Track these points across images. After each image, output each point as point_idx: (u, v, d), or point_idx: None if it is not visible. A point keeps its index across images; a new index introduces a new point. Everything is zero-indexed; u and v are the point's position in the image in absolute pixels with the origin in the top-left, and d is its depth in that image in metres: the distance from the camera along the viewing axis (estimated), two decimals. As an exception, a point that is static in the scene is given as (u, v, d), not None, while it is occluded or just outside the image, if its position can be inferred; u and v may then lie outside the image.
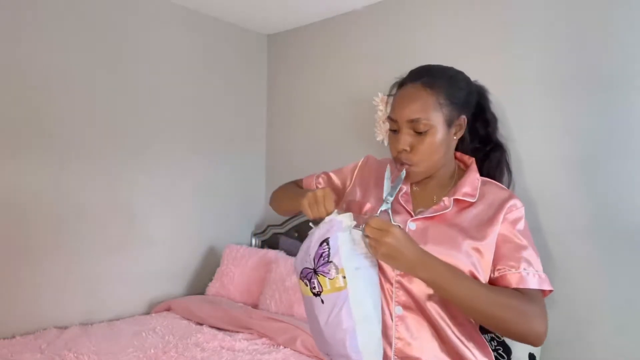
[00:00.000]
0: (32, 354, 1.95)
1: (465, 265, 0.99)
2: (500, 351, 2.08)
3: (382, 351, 0.99)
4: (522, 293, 0.98)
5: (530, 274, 0.99)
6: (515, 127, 2.27)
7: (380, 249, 0.91)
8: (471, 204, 1.06)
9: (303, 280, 1.00)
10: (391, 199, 1.01)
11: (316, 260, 0.97)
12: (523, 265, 1.00)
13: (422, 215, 1.06)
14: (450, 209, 1.05)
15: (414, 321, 1.02)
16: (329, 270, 0.95)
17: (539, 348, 2.10)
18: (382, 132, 2.64)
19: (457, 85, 1.07)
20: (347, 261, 0.95)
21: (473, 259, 1.00)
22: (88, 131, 2.52)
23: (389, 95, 1.15)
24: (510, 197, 1.07)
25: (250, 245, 3.18)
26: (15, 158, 2.28)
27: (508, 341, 2.08)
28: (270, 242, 3.08)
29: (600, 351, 2.01)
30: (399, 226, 0.93)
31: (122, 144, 2.65)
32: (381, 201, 1.04)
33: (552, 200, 2.15)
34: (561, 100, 2.14)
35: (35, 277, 2.32)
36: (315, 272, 0.97)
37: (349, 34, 2.96)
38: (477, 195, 1.06)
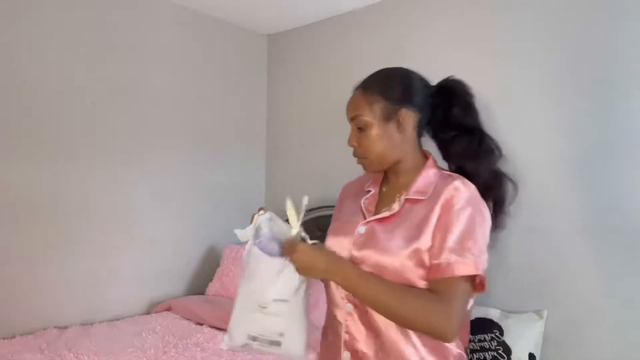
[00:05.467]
0: (32, 354, 1.95)
1: (404, 268, 1.01)
2: (500, 351, 2.08)
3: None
4: (434, 289, 0.99)
5: (444, 264, 0.99)
6: (515, 128, 2.27)
7: (295, 264, 1.04)
8: (423, 201, 1.07)
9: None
10: (297, 223, 1.08)
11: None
12: (444, 255, 0.99)
13: (372, 218, 1.12)
14: (395, 210, 1.09)
15: (361, 318, 1.07)
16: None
17: (539, 348, 2.10)
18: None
19: (391, 82, 1.16)
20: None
21: (411, 260, 1.02)
22: (88, 131, 2.52)
23: None
24: (450, 183, 1.06)
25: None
26: (15, 158, 2.28)
27: (508, 341, 2.08)
28: (271, 242, 3.07)
29: (600, 351, 2.01)
30: (305, 241, 1.05)
31: (122, 144, 2.65)
32: (354, 212, 1.17)
33: (551, 200, 2.15)
34: (560, 101, 2.14)
35: (35, 277, 2.32)
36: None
37: (349, 34, 2.96)
38: (429, 192, 1.07)
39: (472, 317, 2.21)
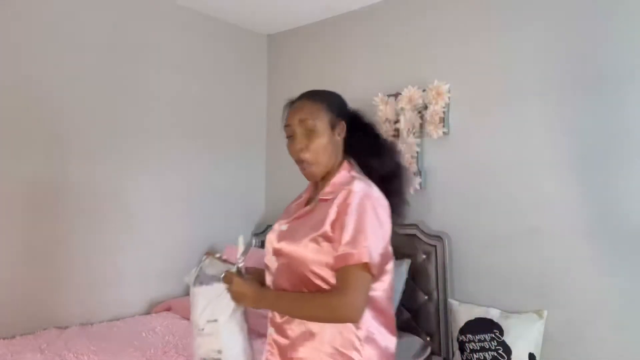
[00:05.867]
0: (32, 354, 1.95)
1: (306, 255, 1.20)
2: (500, 351, 2.08)
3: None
4: (337, 277, 1.16)
5: (341, 255, 1.15)
6: (515, 128, 2.27)
7: (230, 294, 1.25)
8: (330, 200, 1.23)
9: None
10: (242, 258, 1.29)
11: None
12: (341, 248, 1.15)
13: (292, 217, 1.31)
14: (309, 209, 1.28)
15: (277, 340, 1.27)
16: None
17: (540, 348, 2.10)
18: (381, 133, 2.64)
19: (332, 97, 1.34)
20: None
21: (312, 248, 1.20)
22: (88, 131, 2.52)
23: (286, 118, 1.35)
24: (349, 185, 1.21)
25: (250, 245, 3.18)
26: (15, 157, 2.28)
27: (508, 341, 2.08)
28: (270, 242, 3.08)
29: (599, 351, 2.01)
30: (242, 275, 1.26)
31: (122, 144, 2.65)
32: (283, 218, 1.36)
33: (552, 201, 2.15)
34: (560, 101, 2.14)
35: (35, 277, 2.32)
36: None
37: (348, 34, 2.96)
38: (336, 193, 1.22)
39: (472, 317, 2.21)
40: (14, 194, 2.27)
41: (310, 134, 1.25)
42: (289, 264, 1.23)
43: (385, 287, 1.24)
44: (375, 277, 1.18)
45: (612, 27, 2.02)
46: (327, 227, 1.18)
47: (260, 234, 3.19)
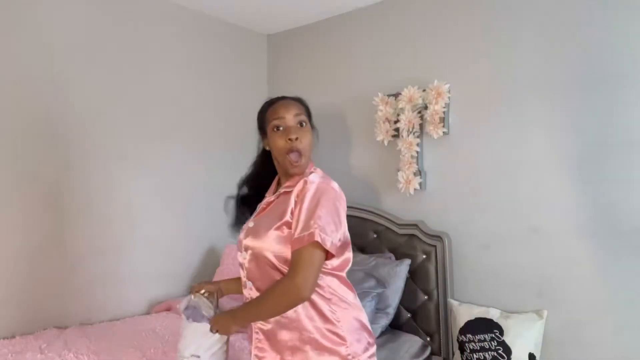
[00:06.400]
0: (32, 354, 1.95)
1: (271, 246, 1.30)
2: (500, 351, 2.08)
3: None
4: (292, 259, 1.26)
5: (296, 238, 1.25)
6: (515, 128, 2.28)
7: (219, 332, 1.41)
8: (290, 192, 1.34)
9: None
10: (211, 308, 1.47)
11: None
12: (296, 232, 1.25)
13: (256, 213, 1.43)
14: (271, 200, 1.40)
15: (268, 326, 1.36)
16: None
17: (539, 348, 2.10)
18: (382, 132, 2.64)
19: (306, 104, 1.46)
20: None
21: (276, 237, 1.30)
22: (87, 131, 2.52)
23: (260, 112, 1.45)
24: (306, 177, 1.33)
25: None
26: (15, 156, 2.28)
27: (508, 341, 2.08)
28: (270, 242, 3.08)
29: (600, 351, 2.01)
30: (217, 314, 1.44)
31: (122, 144, 2.65)
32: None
33: (552, 200, 2.15)
34: (561, 101, 2.14)
35: (35, 277, 2.32)
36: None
37: (349, 34, 2.96)
38: (296, 185, 1.33)
39: (472, 317, 2.21)
40: (14, 194, 2.27)
41: (303, 128, 1.37)
42: (257, 258, 1.33)
43: (342, 267, 1.35)
44: (333, 255, 1.28)
45: (612, 27, 2.02)
46: (288, 216, 1.29)
47: (260, 234, 3.20)
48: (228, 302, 1.67)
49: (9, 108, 2.26)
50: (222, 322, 1.40)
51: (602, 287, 2.02)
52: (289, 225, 1.29)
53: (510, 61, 2.29)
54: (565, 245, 2.11)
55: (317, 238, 1.21)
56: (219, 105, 3.15)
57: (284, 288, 1.25)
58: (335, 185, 1.34)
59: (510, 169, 2.28)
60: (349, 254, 1.37)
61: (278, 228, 1.30)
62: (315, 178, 1.32)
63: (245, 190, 1.58)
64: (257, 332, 1.36)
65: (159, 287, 2.81)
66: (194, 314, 1.46)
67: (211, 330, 1.41)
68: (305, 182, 1.30)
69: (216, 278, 2.86)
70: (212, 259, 3.07)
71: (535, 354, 2.08)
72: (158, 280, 2.81)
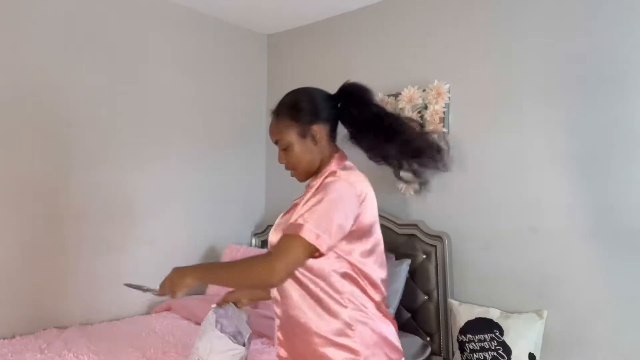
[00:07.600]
0: (32, 354, 1.95)
1: (276, 240, 1.27)
2: (500, 351, 2.08)
3: None
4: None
5: (290, 224, 1.23)
6: (515, 128, 2.27)
7: (170, 282, 1.39)
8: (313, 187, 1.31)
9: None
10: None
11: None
12: (291, 219, 1.24)
13: (285, 211, 1.39)
14: (298, 199, 1.35)
15: (285, 328, 1.37)
16: None
17: (539, 348, 2.10)
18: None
19: (299, 106, 1.38)
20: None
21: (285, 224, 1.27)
22: (87, 131, 2.52)
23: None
24: (323, 175, 1.31)
25: (250, 245, 3.18)
26: (14, 156, 2.28)
27: (508, 341, 2.08)
28: (270, 242, 3.08)
29: (600, 351, 2.01)
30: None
31: (122, 144, 2.65)
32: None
33: (552, 200, 2.15)
34: (560, 101, 2.14)
35: (35, 277, 2.32)
36: None
37: (348, 34, 2.96)
38: (317, 184, 1.29)
39: (472, 317, 2.21)
40: (14, 194, 2.27)
41: (286, 150, 1.36)
42: None
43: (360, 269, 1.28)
44: (321, 254, 1.23)
45: (612, 27, 2.02)
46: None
47: (260, 233, 3.19)
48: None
49: (8, 108, 2.26)
50: (179, 272, 1.34)
51: (602, 287, 2.02)
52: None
53: (510, 61, 2.29)
54: (565, 245, 2.11)
55: (303, 234, 1.19)
56: (219, 105, 3.15)
57: (259, 265, 1.23)
58: (352, 180, 1.28)
59: (510, 169, 2.28)
60: (371, 243, 1.30)
61: (285, 220, 1.31)
62: (328, 178, 1.27)
63: None
64: (277, 333, 1.39)
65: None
66: (230, 327, 1.48)
67: (160, 286, 1.40)
68: (322, 182, 1.28)
69: (216, 278, 2.86)
70: (212, 259, 3.06)
71: (535, 354, 2.08)
72: (158, 281, 2.78)
